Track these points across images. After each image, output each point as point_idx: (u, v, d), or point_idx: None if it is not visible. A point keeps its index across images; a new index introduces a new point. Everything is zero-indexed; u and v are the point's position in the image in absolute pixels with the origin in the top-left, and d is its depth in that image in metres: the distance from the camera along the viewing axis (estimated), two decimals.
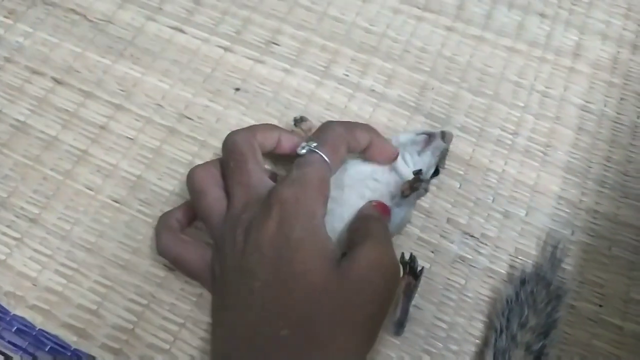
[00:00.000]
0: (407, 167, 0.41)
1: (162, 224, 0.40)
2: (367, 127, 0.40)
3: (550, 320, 0.39)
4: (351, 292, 0.32)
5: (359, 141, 0.39)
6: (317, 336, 0.31)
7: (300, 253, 0.32)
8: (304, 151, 0.37)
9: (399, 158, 0.42)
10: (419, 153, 0.42)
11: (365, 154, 0.40)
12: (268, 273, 0.32)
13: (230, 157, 0.38)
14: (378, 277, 0.33)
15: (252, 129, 0.40)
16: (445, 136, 0.42)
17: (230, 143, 0.39)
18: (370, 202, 0.39)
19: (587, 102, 0.49)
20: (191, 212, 0.41)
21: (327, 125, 0.39)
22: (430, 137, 0.42)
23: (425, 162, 0.42)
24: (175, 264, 0.40)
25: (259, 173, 0.37)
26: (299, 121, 0.42)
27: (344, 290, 0.32)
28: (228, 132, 0.46)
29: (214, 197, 0.38)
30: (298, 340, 0.31)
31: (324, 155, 0.36)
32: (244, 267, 0.33)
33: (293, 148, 0.40)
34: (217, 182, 0.39)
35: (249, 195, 0.36)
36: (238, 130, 0.40)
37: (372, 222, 0.37)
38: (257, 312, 0.32)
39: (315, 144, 0.37)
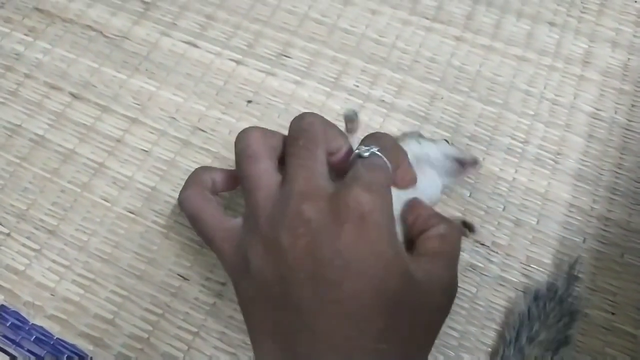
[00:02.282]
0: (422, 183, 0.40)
1: (195, 178, 0.37)
2: (401, 147, 0.38)
3: (562, 337, 0.39)
4: (430, 312, 0.32)
5: (397, 157, 0.36)
6: (411, 351, 0.31)
7: (390, 269, 0.31)
8: (367, 154, 0.33)
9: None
10: (447, 174, 0.41)
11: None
12: (358, 285, 0.30)
13: (302, 135, 0.34)
14: (449, 299, 0.34)
15: (328, 122, 0.37)
16: (476, 165, 0.41)
17: (307, 123, 0.35)
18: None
19: (597, 109, 0.49)
20: (231, 179, 0.38)
21: (382, 135, 0.36)
22: (463, 165, 0.41)
23: (446, 184, 0.42)
24: (192, 220, 0.36)
25: (324, 165, 0.34)
26: (351, 117, 0.40)
27: (424, 308, 0.32)
28: None
29: (266, 167, 0.34)
30: (396, 355, 0.30)
31: (387, 162, 0.33)
32: (321, 274, 0.30)
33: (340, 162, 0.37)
34: (272, 153, 0.35)
35: (310, 184, 0.32)
36: (315, 113, 0.36)
37: (449, 231, 0.36)
38: (348, 321, 0.30)
39: (378, 148, 0.34)
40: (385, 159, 0.33)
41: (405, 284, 0.31)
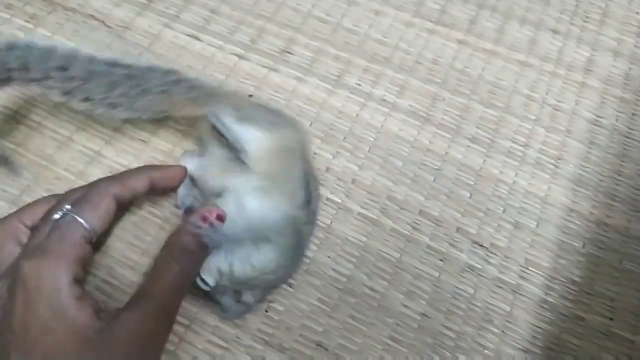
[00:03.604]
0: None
1: None
2: (141, 170, 0.40)
3: None
4: None
5: (133, 188, 0.38)
6: None
7: (51, 334, 0.31)
8: (57, 216, 0.35)
9: None
10: None
11: (157, 191, 0.41)
12: (20, 352, 0.31)
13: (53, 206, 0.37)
14: (138, 349, 0.32)
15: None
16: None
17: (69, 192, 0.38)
18: (197, 213, 0.36)
19: (598, 116, 0.49)
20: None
21: (90, 185, 0.38)
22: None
23: None
24: None
25: (24, 237, 0.36)
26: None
27: None
28: None
29: None
30: None
31: (77, 217, 0.34)
32: (1, 345, 0.31)
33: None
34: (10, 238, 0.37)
35: (10, 261, 0.34)
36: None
37: (169, 268, 0.34)
38: None
39: (69, 207, 0.35)
40: (74, 215, 0.34)
41: (77, 349, 0.31)
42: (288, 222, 0.38)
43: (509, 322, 0.41)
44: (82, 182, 0.45)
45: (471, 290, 0.42)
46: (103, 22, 0.54)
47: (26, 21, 0.54)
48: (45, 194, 0.45)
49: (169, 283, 0.34)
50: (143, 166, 0.42)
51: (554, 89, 0.51)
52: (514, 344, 0.40)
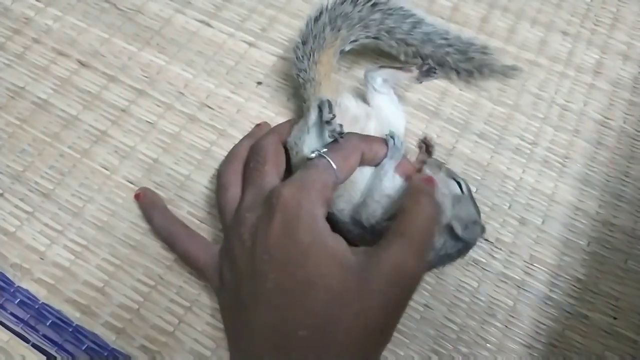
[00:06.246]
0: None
1: (156, 203, 0.43)
2: (381, 141, 0.39)
3: None
4: (370, 298, 0.31)
5: (375, 153, 0.38)
6: (334, 337, 0.31)
7: (312, 258, 0.32)
8: (313, 155, 0.37)
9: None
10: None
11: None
12: (279, 275, 0.32)
13: (252, 159, 0.39)
14: (398, 288, 0.32)
15: (280, 130, 0.42)
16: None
17: (258, 146, 0.40)
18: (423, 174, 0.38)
19: (606, 118, 0.49)
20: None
21: (344, 135, 0.38)
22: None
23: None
24: (180, 253, 0.41)
25: (274, 176, 0.38)
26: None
27: (363, 295, 0.31)
28: (248, 123, 0.47)
29: (233, 192, 0.38)
30: (317, 341, 0.31)
31: (331, 161, 0.35)
32: (255, 269, 0.33)
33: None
34: (241, 180, 0.40)
35: (257, 196, 0.36)
36: (269, 135, 0.41)
37: (418, 210, 0.34)
38: (273, 312, 0.32)
39: (325, 150, 0.37)
40: (328, 159, 0.36)
41: (339, 275, 0.32)
42: None
43: (513, 317, 0.40)
44: (86, 161, 0.45)
45: (475, 284, 0.41)
46: (114, 5, 0.54)
47: (37, 0, 0.54)
48: (49, 171, 0.45)
49: (421, 224, 0.33)
50: (379, 137, 0.39)
51: (563, 89, 0.51)
52: (517, 339, 0.40)
